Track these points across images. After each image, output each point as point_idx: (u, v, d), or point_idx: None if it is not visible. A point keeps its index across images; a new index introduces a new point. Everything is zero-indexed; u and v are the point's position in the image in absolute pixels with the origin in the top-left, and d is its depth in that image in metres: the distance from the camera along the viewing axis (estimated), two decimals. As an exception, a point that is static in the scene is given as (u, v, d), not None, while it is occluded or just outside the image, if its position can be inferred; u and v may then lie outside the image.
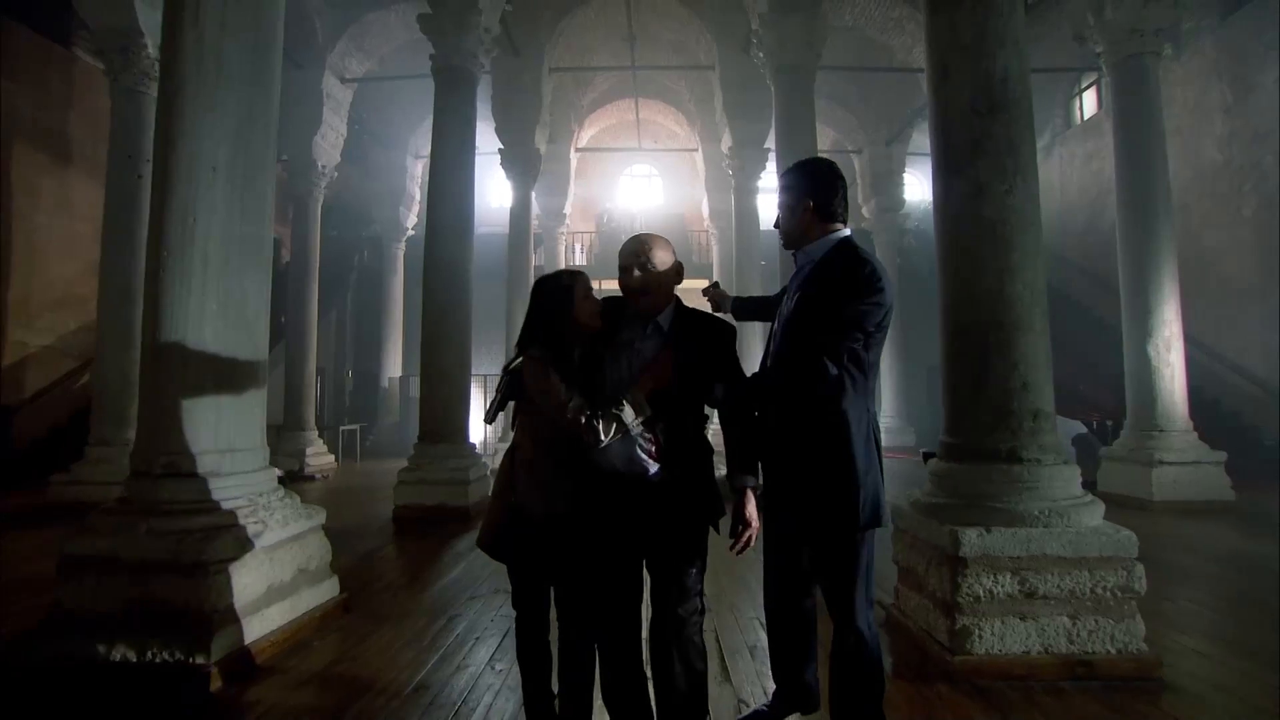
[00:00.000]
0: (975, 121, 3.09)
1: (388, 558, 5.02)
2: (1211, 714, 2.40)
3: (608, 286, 2.01)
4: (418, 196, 14.63)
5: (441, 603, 3.77)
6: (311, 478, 9.54)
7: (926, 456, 3.52)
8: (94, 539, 2.81)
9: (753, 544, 1.91)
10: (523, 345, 2.00)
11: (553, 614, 2.05)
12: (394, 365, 15.40)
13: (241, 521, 2.96)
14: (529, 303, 2.06)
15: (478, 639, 3.17)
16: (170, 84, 3.12)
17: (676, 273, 1.98)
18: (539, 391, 1.90)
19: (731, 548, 1.90)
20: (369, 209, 15.21)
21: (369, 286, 15.67)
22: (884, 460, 2.03)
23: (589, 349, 2.00)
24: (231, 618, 2.79)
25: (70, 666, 2.63)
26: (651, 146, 16.32)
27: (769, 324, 2.28)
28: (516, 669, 2.18)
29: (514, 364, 2.00)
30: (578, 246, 17.79)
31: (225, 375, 3.09)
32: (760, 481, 2.01)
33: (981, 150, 3.07)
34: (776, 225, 2.16)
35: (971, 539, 2.75)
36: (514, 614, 2.08)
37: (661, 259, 1.94)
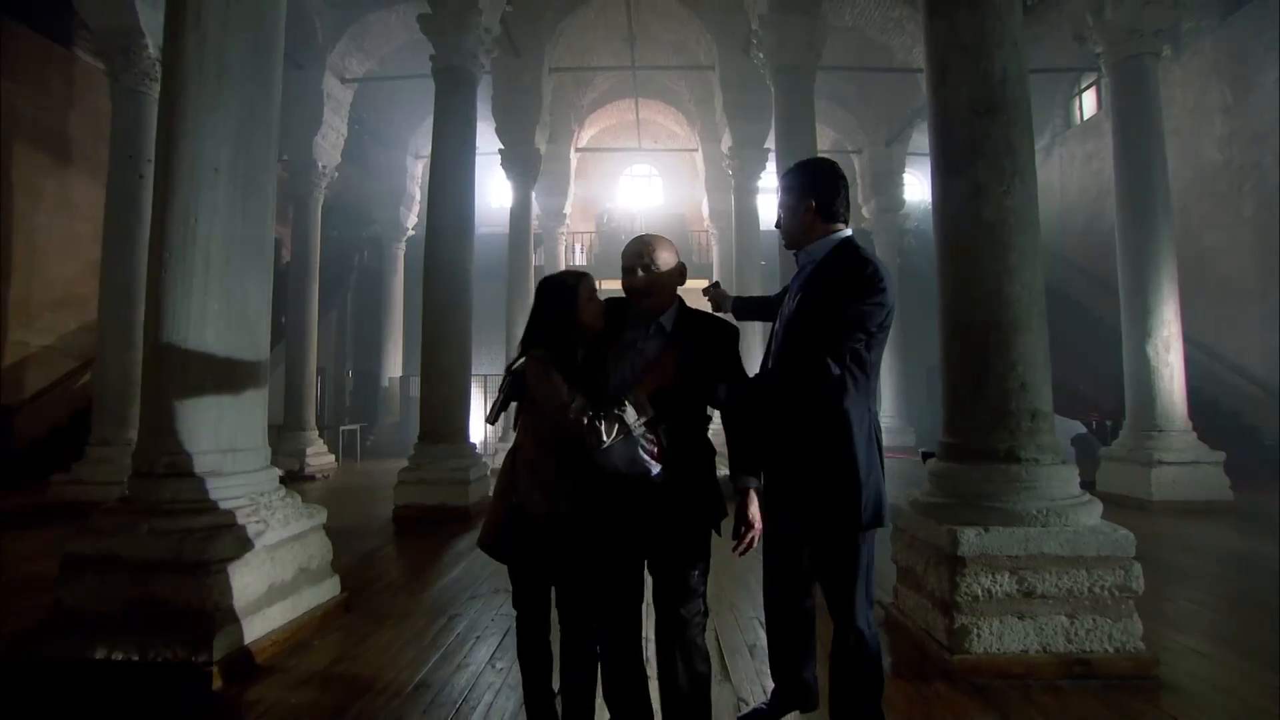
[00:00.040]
0: (974, 122, 3.10)
1: (388, 557, 5.03)
2: (1210, 713, 2.41)
3: (608, 286, 2.02)
4: (418, 196, 14.63)
5: (442, 602, 3.78)
6: (312, 478, 9.55)
7: (925, 456, 3.52)
8: (96, 538, 2.82)
9: (755, 545, 1.91)
10: (526, 345, 2.00)
11: (553, 614, 2.06)
12: (394, 365, 15.41)
13: (243, 521, 2.97)
14: (533, 303, 2.07)
15: (478, 638, 3.18)
16: (172, 85, 3.13)
17: (680, 273, 1.98)
18: (541, 392, 1.90)
19: (734, 549, 1.90)
20: (369, 209, 15.21)
21: (369, 286, 15.68)
22: (884, 460, 2.04)
23: (592, 349, 2.00)
24: (233, 617, 2.80)
25: (71, 666, 2.64)
26: (651, 146, 16.33)
27: (769, 324, 2.29)
28: (517, 668, 2.19)
29: (517, 364, 2.01)
30: (578, 246, 17.79)
31: (227, 376, 3.10)
32: (761, 482, 2.01)
33: (980, 151, 3.08)
34: (778, 225, 2.16)
35: (970, 538, 2.76)
36: (514, 613, 2.09)
37: (665, 260, 1.94)
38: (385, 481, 7.12)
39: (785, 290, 2.23)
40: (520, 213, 11.24)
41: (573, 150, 13.85)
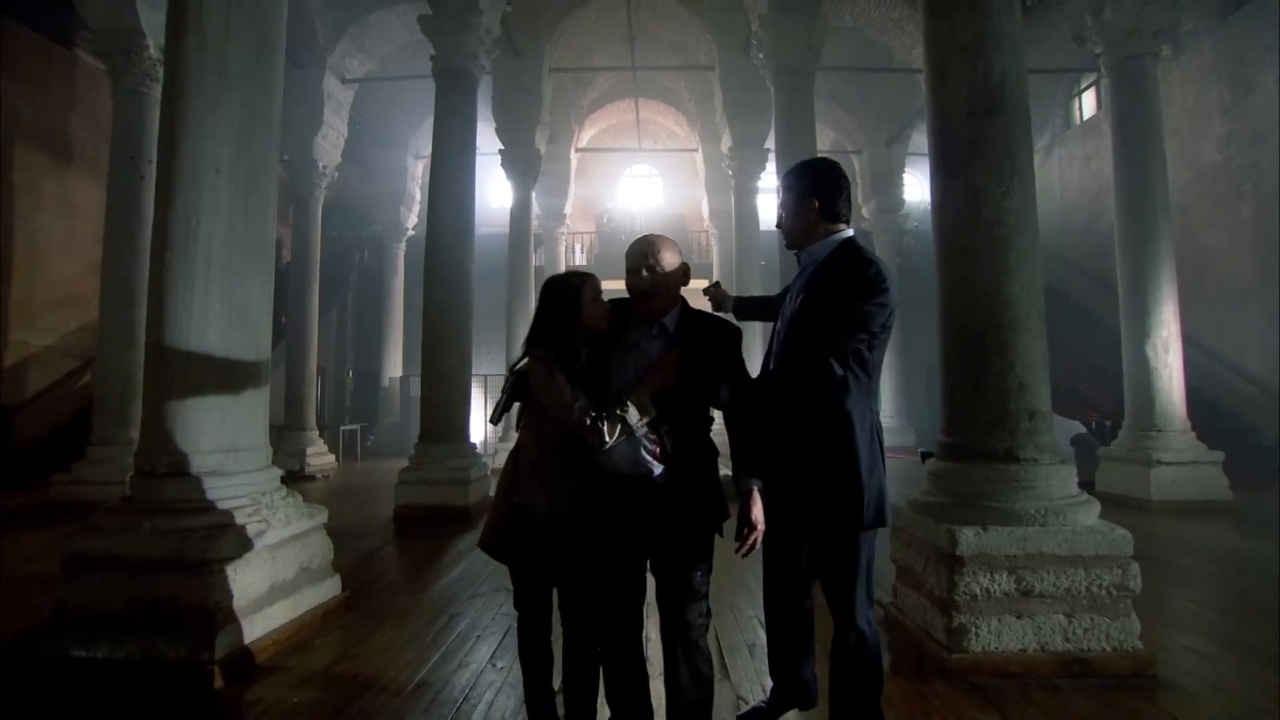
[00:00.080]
0: (973, 124, 3.11)
1: (389, 557, 5.04)
2: (1208, 712, 2.42)
3: (608, 287, 2.02)
4: (418, 197, 14.64)
5: (443, 601, 3.79)
6: (312, 477, 9.55)
7: (925, 456, 3.53)
8: (98, 538, 2.83)
9: (757, 546, 1.91)
10: (530, 345, 2.00)
11: (555, 614, 2.07)
12: (394, 365, 15.42)
13: (244, 520, 2.98)
14: (537, 303, 2.07)
15: (479, 637, 3.18)
16: (174, 85, 3.14)
17: (683, 274, 1.98)
18: (544, 392, 1.90)
19: (737, 550, 1.89)
20: (370, 209, 15.22)
21: (370, 286, 15.68)
22: (885, 460, 2.05)
23: (595, 350, 2.01)
24: (234, 616, 2.80)
25: (73, 665, 2.64)
26: (651, 147, 16.34)
27: (770, 324, 2.30)
28: (517, 666, 2.20)
29: (520, 364, 2.02)
30: (578, 247, 17.80)
31: (228, 376, 3.10)
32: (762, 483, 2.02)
33: (979, 152, 3.09)
34: (779, 225, 2.17)
35: (969, 538, 2.76)
36: (515, 613, 2.09)
37: (669, 260, 1.95)
38: (386, 481, 7.13)
39: (786, 290, 2.23)
40: (520, 213, 11.25)
41: (573, 150, 13.86)
